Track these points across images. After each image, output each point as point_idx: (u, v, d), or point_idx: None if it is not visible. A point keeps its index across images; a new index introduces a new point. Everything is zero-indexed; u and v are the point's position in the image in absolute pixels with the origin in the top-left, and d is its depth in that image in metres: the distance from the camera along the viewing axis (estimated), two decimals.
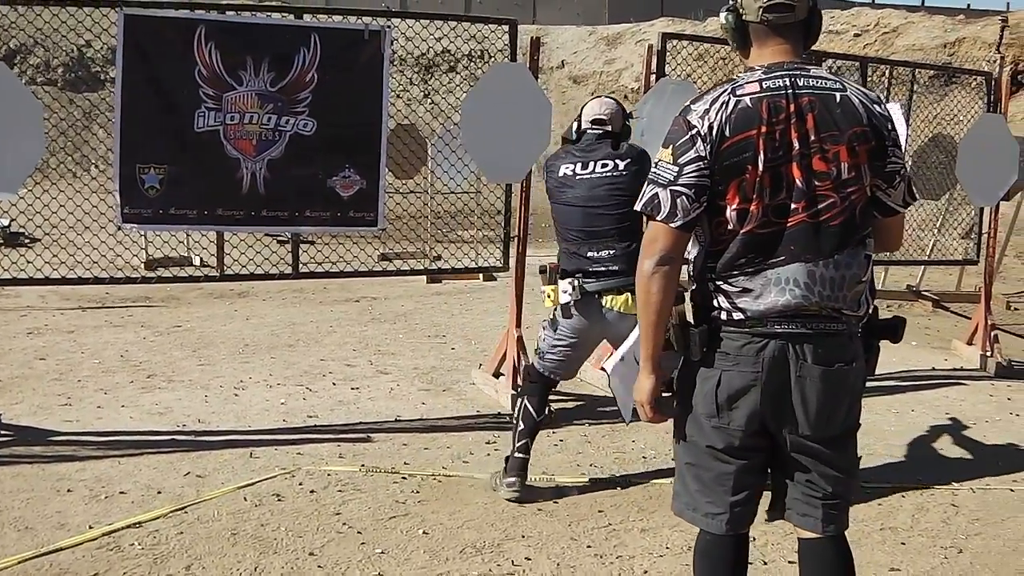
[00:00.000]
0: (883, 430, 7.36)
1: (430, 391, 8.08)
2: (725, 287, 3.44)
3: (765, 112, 3.35)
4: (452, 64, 23.37)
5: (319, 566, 4.92)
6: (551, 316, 6.03)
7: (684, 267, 3.57)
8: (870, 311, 3.56)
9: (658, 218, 3.42)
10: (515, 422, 5.96)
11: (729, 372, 3.44)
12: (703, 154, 3.36)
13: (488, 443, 6.80)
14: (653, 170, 3.49)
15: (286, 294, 11.93)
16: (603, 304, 5.78)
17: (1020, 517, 5.82)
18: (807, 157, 3.35)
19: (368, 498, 5.77)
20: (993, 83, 10.31)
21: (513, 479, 5.81)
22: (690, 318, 3.56)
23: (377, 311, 11.29)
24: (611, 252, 5.78)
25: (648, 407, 3.64)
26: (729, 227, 3.40)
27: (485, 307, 11.58)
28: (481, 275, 12.88)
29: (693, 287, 3.55)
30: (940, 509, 5.88)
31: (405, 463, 6.36)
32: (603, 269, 5.77)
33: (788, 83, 3.39)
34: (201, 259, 12.70)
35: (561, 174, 5.93)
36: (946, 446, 7.13)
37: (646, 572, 4.99)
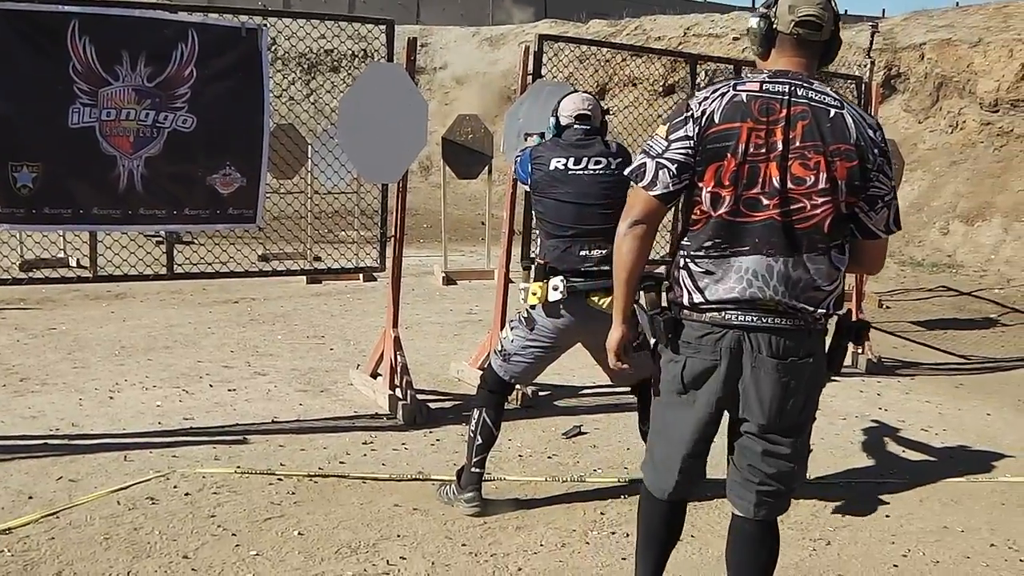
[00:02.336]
0: None
1: (308, 392, 8.05)
2: (692, 266, 3.75)
3: (756, 110, 3.62)
4: (335, 64, 23.25)
5: (193, 569, 4.89)
6: (524, 315, 5.79)
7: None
8: (833, 313, 3.78)
9: (640, 184, 3.76)
10: (472, 435, 5.79)
11: (692, 359, 3.76)
12: (691, 134, 3.67)
13: (365, 443, 6.79)
14: (647, 142, 3.83)
15: (164, 295, 11.78)
16: (589, 304, 5.58)
17: (885, 509, 5.99)
18: (787, 160, 3.61)
19: (243, 500, 5.75)
20: (864, 87, 10.55)
21: (471, 494, 5.70)
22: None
23: (256, 312, 11.21)
24: (602, 252, 5.55)
25: (613, 355, 4.04)
26: (702, 208, 3.70)
27: (365, 308, 11.57)
28: (361, 276, 12.85)
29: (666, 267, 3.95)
30: (809, 503, 6.01)
31: (281, 464, 6.33)
32: (595, 269, 5.58)
33: (787, 90, 3.65)
34: (78, 260, 12.49)
35: (552, 168, 5.71)
36: (816, 441, 7.17)
37: (520, 569, 5.05)
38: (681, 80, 19.05)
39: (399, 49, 7.84)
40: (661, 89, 20.67)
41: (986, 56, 17.46)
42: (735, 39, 22.46)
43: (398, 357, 7.62)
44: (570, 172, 5.68)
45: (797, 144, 3.60)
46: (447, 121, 16.99)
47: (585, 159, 5.70)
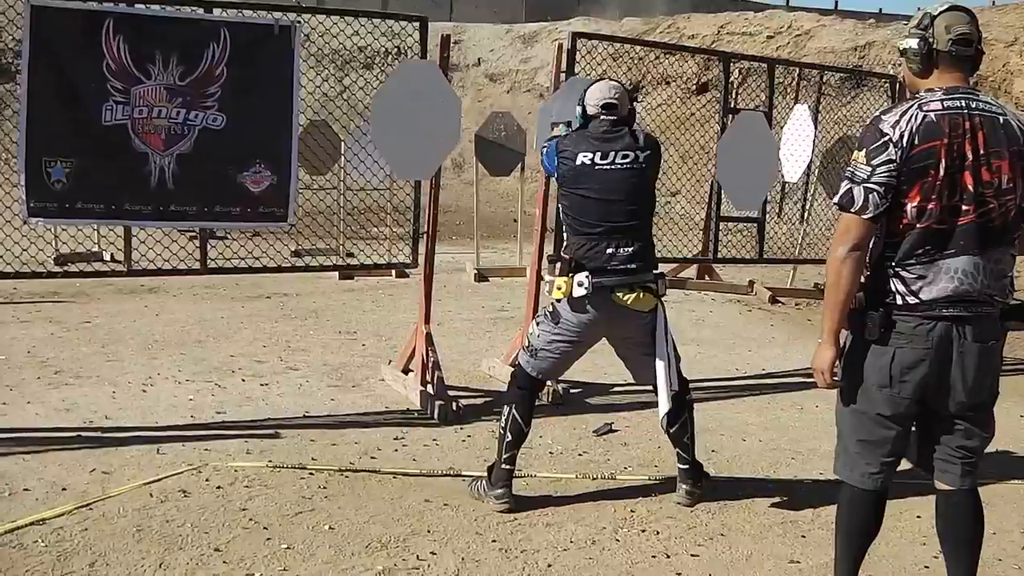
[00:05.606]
0: (787, 425, 7.50)
1: (339, 387, 8.08)
2: (903, 274, 4.10)
3: (947, 127, 4.00)
4: (368, 61, 23.29)
5: (224, 561, 4.92)
6: (550, 310, 5.77)
7: None
8: (1011, 299, 4.25)
9: (852, 210, 4.06)
10: (502, 431, 5.79)
11: (903, 349, 4.11)
12: (894, 158, 4.00)
13: (396, 439, 6.81)
14: (848, 169, 4.12)
15: (197, 290, 11.82)
16: (614, 300, 5.56)
17: (916, 510, 5.93)
18: (977, 167, 4.01)
19: (275, 494, 5.78)
20: (898, 86, 10.50)
21: (501, 491, 5.70)
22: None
23: (288, 307, 11.24)
24: (629, 249, 5.56)
25: (827, 374, 4.25)
26: (906, 221, 4.05)
27: (396, 304, 11.59)
28: (394, 272, 12.87)
29: (867, 274, 4.18)
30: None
31: (312, 459, 6.36)
32: (621, 267, 5.55)
33: (964, 104, 4.05)
34: (112, 255, 12.53)
35: (579, 163, 5.61)
36: None
37: (550, 566, 5.05)
38: (714, 78, 19.00)
39: (432, 46, 7.87)
40: (694, 87, 20.64)
41: (1022, 56, 17.35)
42: (769, 37, 22.40)
43: (430, 353, 7.64)
44: (597, 168, 5.60)
45: (982, 152, 4.01)
46: (480, 118, 16.99)
47: (612, 153, 5.61)
